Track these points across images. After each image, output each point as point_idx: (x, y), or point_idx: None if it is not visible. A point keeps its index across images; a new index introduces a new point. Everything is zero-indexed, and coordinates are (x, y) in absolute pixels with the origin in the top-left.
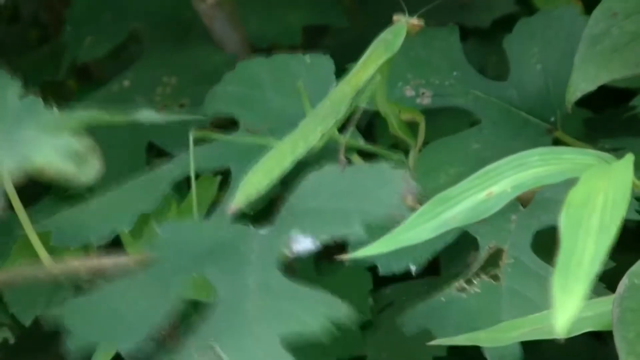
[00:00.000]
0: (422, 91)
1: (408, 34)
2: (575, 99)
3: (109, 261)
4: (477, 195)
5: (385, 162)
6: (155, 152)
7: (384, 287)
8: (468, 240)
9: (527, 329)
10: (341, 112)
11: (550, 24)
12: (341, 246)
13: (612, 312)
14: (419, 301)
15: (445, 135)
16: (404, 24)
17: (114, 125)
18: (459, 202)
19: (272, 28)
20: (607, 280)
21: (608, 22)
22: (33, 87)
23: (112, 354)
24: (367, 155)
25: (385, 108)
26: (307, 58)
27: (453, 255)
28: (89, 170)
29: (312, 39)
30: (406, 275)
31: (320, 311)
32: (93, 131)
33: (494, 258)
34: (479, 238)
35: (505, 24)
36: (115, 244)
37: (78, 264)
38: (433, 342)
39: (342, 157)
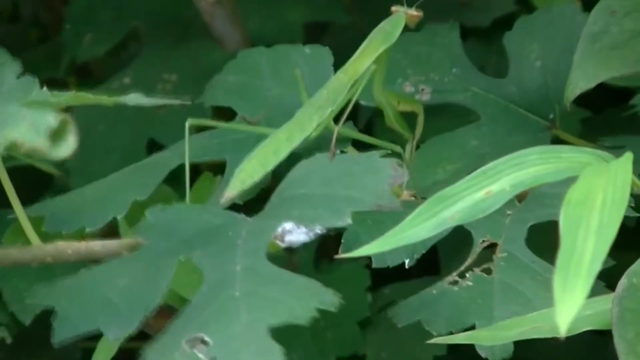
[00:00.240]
0: (422, 87)
1: (407, 25)
2: (574, 96)
3: (98, 245)
4: (476, 194)
5: (376, 152)
6: (157, 149)
7: (384, 286)
8: (468, 240)
9: (527, 327)
10: (337, 102)
11: (549, 21)
12: (340, 243)
13: (611, 311)
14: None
15: (444, 131)
16: (402, 14)
17: (115, 121)
18: (458, 201)
19: (273, 26)
20: (607, 279)
21: (607, 20)
22: None
23: (114, 350)
24: (363, 148)
25: (381, 98)
26: (307, 49)
27: (453, 255)
28: (65, 146)
29: (311, 39)
30: (406, 275)
31: (307, 298)
32: (93, 127)
33: (489, 252)
34: (473, 232)
35: (505, 23)
36: (112, 234)
37: (66, 246)
38: (432, 341)
39: (333, 145)
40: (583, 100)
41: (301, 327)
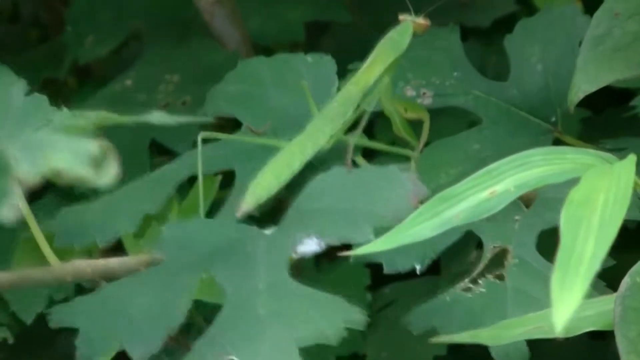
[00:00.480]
0: (423, 91)
1: (415, 33)
2: (577, 100)
3: (115, 262)
4: (480, 194)
5: (393, 164)
6: (157, 150)
7: (384, 286)
8: (468, 240)
9: (529, 327)
10: (349, 113)
11: (550, 23)
12: (342, 244)
13: (613, 311)
14: (420, 300)
15: (446, 135)
16: (410, 22)
17: (120, 124)
18: (461, 201)
19: (274, 25)
20: (609, 279)
21: (610, 23)
22: (33, 86)
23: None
24: (368, 155)
25: (390, 107)
26: (309, 58)
27: (453, 255)
28: (107, 174)
29: (311, 39)
30: (406, 274)
31: (335, 316)
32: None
33: (499, 258)
34: (483, 238)
35: (506, 23)
36: (116, 245)
37: (85, 265)
38: (433, 340)
39: (349, 158)
40: (583, 100)
41: None
